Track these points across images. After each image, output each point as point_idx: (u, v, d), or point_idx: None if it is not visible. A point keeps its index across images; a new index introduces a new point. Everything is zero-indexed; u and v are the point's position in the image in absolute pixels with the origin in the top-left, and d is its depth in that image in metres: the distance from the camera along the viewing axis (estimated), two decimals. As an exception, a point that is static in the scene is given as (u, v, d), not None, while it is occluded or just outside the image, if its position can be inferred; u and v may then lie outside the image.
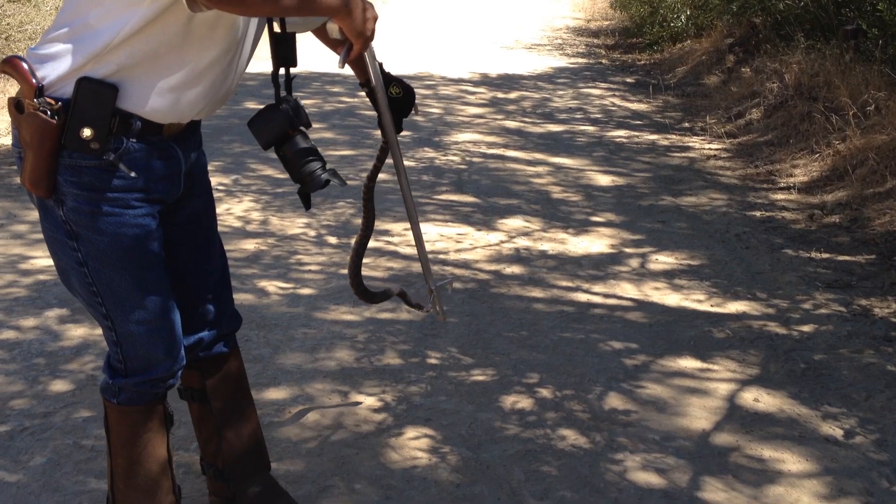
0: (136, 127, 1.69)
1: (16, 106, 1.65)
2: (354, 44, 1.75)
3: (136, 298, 1.78)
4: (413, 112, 2.12)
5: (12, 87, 6.90)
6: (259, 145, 1.87)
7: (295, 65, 1.86)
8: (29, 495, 2.31)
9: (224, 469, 2.11)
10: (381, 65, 2.03)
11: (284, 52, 1.85)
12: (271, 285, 3.72)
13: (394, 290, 2.39)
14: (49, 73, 1.64)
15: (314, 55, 1.86)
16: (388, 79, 2.07)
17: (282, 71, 1.89)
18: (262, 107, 1.87)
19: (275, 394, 2.86)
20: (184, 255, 1.94)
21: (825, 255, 4.25)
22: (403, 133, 7.75)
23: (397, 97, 2.08)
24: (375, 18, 1.76)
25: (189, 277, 1.96)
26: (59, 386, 2.87)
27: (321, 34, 1.98)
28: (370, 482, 2.40)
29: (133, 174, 1.71)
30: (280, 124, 1.83)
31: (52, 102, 1.63)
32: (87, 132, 1.64)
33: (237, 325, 2.11)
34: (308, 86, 8.52)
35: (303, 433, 2.63)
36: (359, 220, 4.94)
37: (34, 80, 1.63)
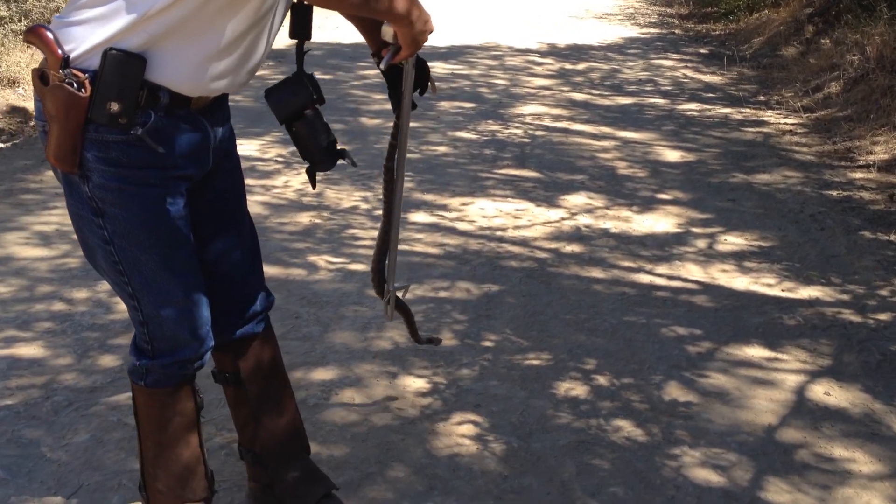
0: (164, 100, 1.61)
1: (40, 77, 1.58)
2: (405, 51, 1.72)
3: (163, 278, 1.71)
4: (430, 89, 2.00)
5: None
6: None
7: (309, 38, 1.81)
8: (69, 473, 2.28)
9: (261, 454, 2.04)
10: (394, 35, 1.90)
11: (303, 23, 1.78)
12: (322, 260, 3.65)
13: (410, 312, 2.19)
14: (79, 43, 1.56)
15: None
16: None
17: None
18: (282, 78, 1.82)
19: (322, 374, 2.79)
20: (212, 234, 1.87)
21: (906, 239, 4.03)
22: (468, 105, 7.58)
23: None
24: (432, 31, 1.74)
25: (217, 256, 1.89)
26: (108, 360, 2.84)
27: (362, 27, 1.89)
28: (414, 470, 2.32)
29: (161, 149, 1.63)
30: (302, 99, 1.78)
31: (79, 74, 1.56)
32: (115, 106, 1.56)
33: (269, 305, 2.04)
34: (367, 57, 8.42)
35: (348, 416, 2.55)
36: (419, 194, 4.86)
37: (60, 51, 1.55)
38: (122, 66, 1.55)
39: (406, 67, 1.84)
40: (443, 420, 2.55)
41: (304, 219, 4.12)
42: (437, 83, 2.03)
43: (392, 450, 2.40)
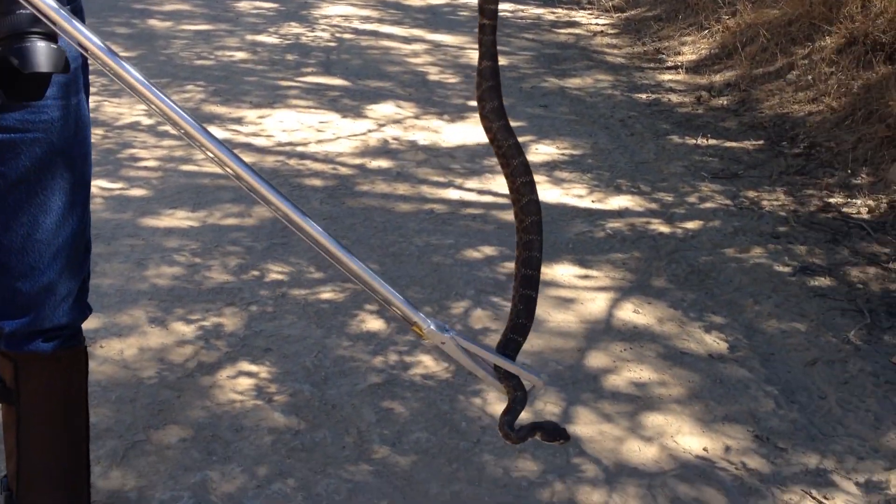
0: None
1: None
2: None
3: None
4: None
5: None
6: None
7: None
8: None
9: (17, 499, 1.59)
10: None
11: None
12: (96, 186, 3.23)
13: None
14: None
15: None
16: None
17: None
18: None
19: (87, 322, 2.43)
20: None
21: (712, 142, 4.00)
22: (269, 5, 7.04)
23: None
24: None
25: None
26: None
27: None
28: (191, 435, 2.04)
29: None
30: None
31: None
32: None
33: (74, 320, 1.53)
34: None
35: (115, 373, 2.23)
36: (211, 107, 4.35)
37: None
38: None
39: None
40: (227, 370, 2.27)
41: (78, 138, 3.65)
42: None
43: (165, 410, 2.10)
